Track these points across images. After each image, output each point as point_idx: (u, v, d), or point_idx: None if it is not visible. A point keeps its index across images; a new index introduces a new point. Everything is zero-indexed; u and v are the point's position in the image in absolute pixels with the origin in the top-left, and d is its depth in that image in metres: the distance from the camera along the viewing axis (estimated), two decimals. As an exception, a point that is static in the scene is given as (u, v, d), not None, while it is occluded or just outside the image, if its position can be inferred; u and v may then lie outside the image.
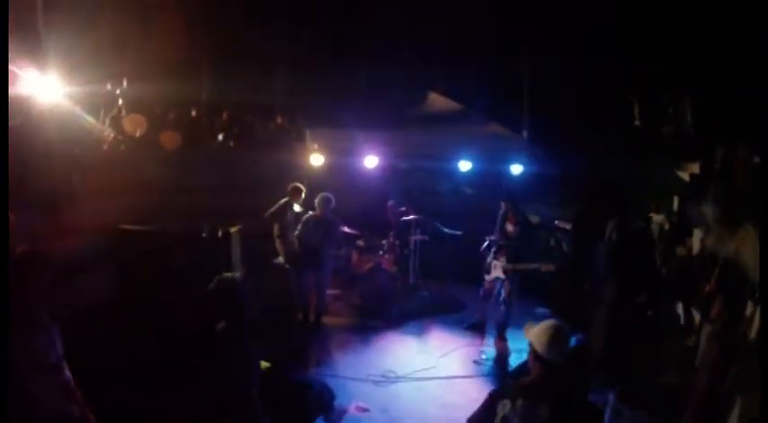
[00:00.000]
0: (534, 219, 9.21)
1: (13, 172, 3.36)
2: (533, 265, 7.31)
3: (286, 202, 8.14)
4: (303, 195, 8.21)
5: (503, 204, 7.54)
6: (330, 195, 7.39)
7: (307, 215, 7.54)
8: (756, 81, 6.22)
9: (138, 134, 8.82)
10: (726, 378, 3.51)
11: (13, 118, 7.22)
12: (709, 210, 4.12)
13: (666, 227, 8.75)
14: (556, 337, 3.09)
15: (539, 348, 3.10)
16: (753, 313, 3.55)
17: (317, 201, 7.40)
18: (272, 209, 8.12)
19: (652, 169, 9.53)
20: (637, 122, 10.81)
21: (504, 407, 3.02)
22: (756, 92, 6.32)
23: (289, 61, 13.78)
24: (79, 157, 7.68)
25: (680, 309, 7.79)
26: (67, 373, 3.24)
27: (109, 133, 8.68)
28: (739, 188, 7.23)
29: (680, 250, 8.33)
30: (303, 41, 13.43)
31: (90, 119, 8.10)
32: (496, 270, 7.40)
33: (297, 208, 8.21)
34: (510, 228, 7.44)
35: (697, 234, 7.63)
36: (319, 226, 7.36)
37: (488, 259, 7.57)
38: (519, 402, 3.00)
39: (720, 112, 8.30)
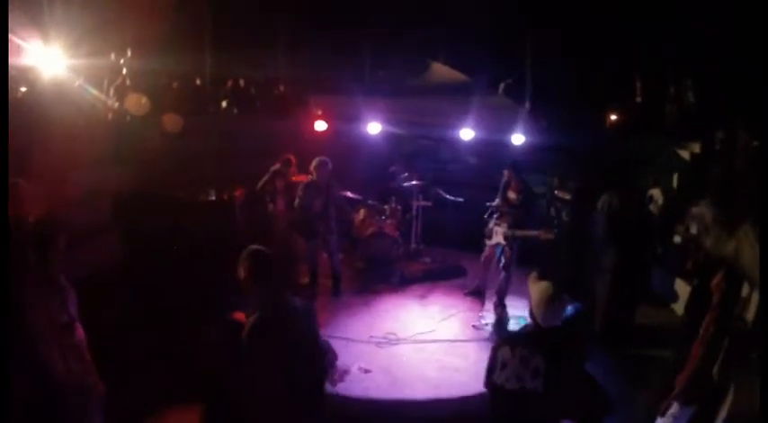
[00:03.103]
0: (539, 189, 9.24)
1: (19, 142, 3.46)
2: (533, 233, 7.37)
3: (275, 170, 8.13)
4: (293, 163, 8.21)
5: (506, 172, 7.58)
6: (326, 159, 7.12)
7: (306, 182, 7.27)
8: (760, 63, 6.19)
9: (140, 113, 8.92)
10: (717, 355, 3.55)
11: (18, 89, 7.31)
12: (706, 210, 4.15)
13: (660, 202, 8.81)
14: (549, 304, 3.19)
15: (534, 308, 3.24)
16: (749, 295, 3.63)
17: (313, 165, 7.12)
18: (262, 182, 8.14)
19: (653, 145, 9.56)
20: (639, 99, 10.81)
21: (505, 352, 3.20)
22: (759, 73, 6.29)
23: (293, 30, 13.70)
24: (84, 128, 7.76)
25: (677, 283, 7.93)
26: (79, 333, 3.39)
27: (113, 103, 8.74)
28: (739, 171, 7.25)
29: (678, 229, 8.41)
30: (307, 11, 13.32)
31: (93, 90, 8.14)
32: (497, 236, 7.47)
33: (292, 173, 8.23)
34: (512, 195, 7.47)
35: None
36: (320, 191, 7.15)
37: (490, 225, 7.65)
38: (518, 349, 3.18)
39: (723, 93, 8.29)
